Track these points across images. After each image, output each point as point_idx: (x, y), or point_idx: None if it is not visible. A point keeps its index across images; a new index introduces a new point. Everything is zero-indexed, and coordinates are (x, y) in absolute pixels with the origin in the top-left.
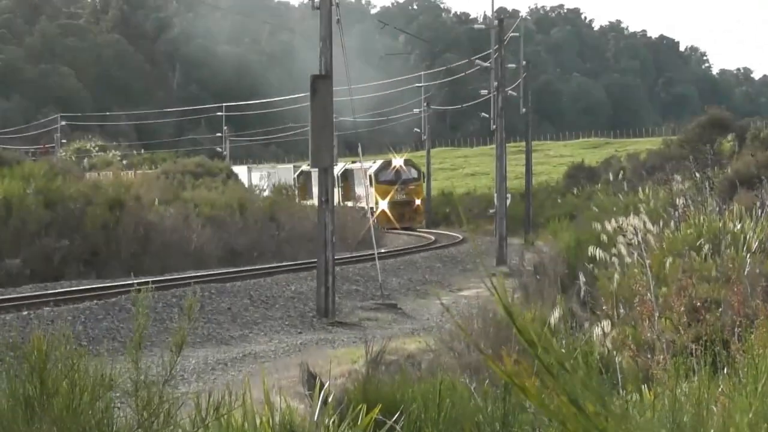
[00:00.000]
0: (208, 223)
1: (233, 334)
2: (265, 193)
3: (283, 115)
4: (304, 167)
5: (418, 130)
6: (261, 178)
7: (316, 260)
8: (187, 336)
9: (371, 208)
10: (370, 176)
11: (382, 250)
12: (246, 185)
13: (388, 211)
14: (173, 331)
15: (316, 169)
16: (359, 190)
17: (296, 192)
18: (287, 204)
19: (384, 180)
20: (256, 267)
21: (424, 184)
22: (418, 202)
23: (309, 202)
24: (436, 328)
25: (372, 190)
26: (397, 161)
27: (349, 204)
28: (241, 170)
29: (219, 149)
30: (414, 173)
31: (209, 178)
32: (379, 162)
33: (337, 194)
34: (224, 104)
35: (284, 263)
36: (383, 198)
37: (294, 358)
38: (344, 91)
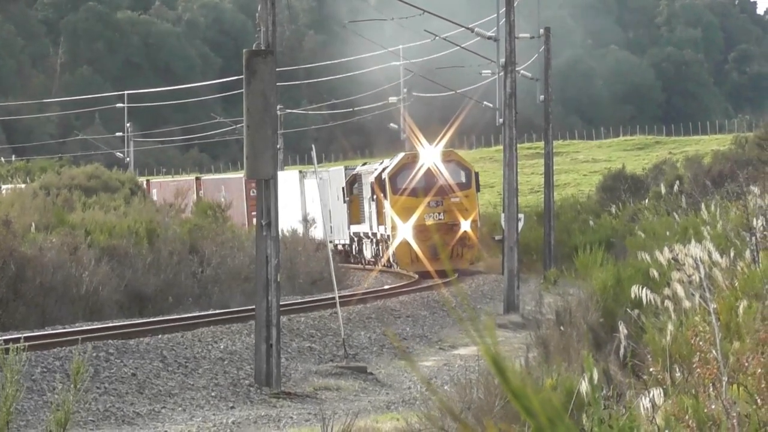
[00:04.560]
0: (105, 257)
1: (140, 409)
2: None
3: (208, 107)
4: (360, 168)
5: (395, 126)
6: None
7: (253, 307)
8: (72, 412)
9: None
10: (381, 181)
11: (346, 293)
12: (300, 202)
13: (413, 242)
14: (56, 405)
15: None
16: (368, 208)
17: (348, 209)
18: (213, 229)
19: (405, 188)
20: (172, 317)
21: (478, 194)
22: (466, 225)
23: (361, 228)
24: (421, 401)
25: (386, 204)
26: (429, 155)
27: (361, 230)
28: (285, 178)
29: (119, 154)
30: (462, 175)
31: (107, 194)
32: (397, 158)
33: (344, 215)
34: (126, 92)
35: (210, 312)
36: (405, 219)
37: None
38: (292, 73)
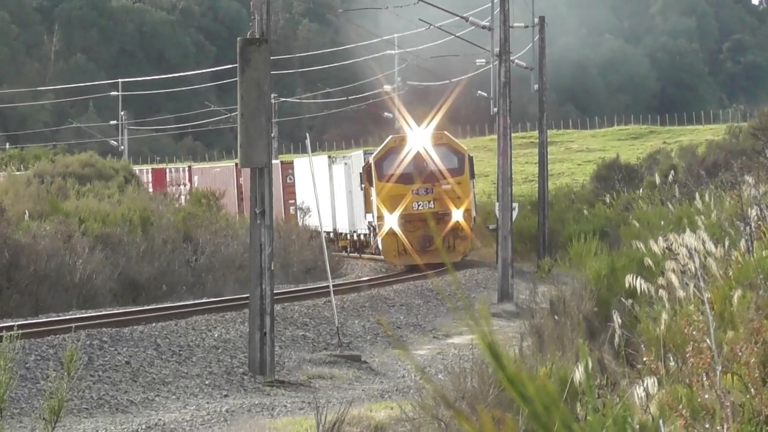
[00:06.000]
0: (99, 245)
1: (133, 397)
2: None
3: (202, 95)
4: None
5: (390, 115)
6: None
7: (247, 296)
8: (66, 400)
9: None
10: (368, 167)
11: (340, 281)
12: (328, 189)
13: (400, 233)
14: (49, 393)
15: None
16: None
17: (364, 197)
18: (207, 217)
19: (392, 174)
20: (165, 305)
21: (473, 181)
22: (458, 214)
23: (368, 218)
24: (415, 389)
25: (372, 192)
26: (418, 138)
27: (370, 220)
28: (304, 166)
29: (114, 142)
30: (454, 160)
31: (101, 182)
32: (384, 142)
33: (360, 203)
34: (120, 80)
35: (204, 300)
36: (391, 208)
37: (217, 431)
38: (286, 62)
